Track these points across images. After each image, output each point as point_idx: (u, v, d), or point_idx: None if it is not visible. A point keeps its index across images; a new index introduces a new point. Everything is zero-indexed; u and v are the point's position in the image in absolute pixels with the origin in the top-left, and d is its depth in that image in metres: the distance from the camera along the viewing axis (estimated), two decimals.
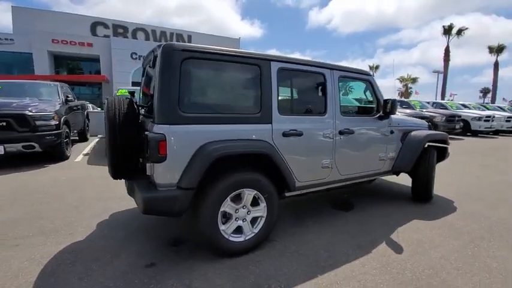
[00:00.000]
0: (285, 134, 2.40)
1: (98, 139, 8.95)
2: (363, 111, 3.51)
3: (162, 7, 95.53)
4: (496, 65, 35.15)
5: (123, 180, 2.55)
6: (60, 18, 22.26)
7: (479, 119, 12.65)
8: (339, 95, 2.78)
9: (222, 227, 2.16)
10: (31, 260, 2.17)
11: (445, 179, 4.61)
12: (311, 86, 2.75)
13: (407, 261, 2.26)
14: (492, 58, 35.35)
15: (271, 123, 2.34)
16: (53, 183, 4.20)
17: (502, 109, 16.52)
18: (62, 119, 5.66)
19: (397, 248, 2.46)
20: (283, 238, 2.57)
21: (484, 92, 56.12)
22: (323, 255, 2.30)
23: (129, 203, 3.34)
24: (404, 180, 4.20)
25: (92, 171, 4.95)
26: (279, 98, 2.40)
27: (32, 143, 4.96)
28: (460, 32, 33.42)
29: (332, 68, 2.75)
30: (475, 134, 12.91)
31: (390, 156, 3.35)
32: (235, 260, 2.19)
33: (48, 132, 5.15)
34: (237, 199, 2.22)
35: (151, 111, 2.24)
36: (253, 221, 2.33)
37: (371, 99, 3.23)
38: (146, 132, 2.00)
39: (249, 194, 2.23)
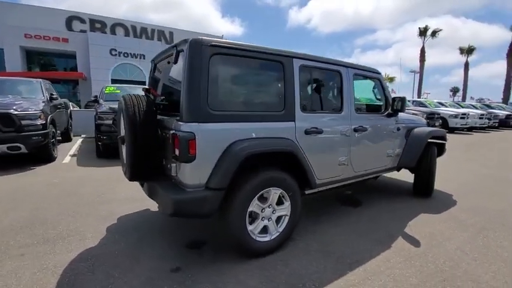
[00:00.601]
0: (307, 132, 2.39)
1: (81, 139, 8.52)
2: (372, 109, 3.57)
3: (139, 2, 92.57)
4: (467, 66, 37.23)
5: (121, 182, 2.44)
6: (33, 11, 20.90)
7: (456, 116, 13.36)
8: (353, 92, 2.81)
9: (249, 228, 2.12)
10: (44, 270, 2.01)
11: (441, 174, 4.81)
12: (329, 84, 2.76)
13: (427, 254, 2.32)
14: (462, 59, 37.42)
15: (294, 120, 2.31)
16: (46, 186, 3.93)
17: (474, 107, 17.56)
18: (49, 118, 5.33)
19: (414, 242, 2.53)
20: (304, 236, 2.57)
21: (454, 91, 59.45)
22: (347, 252, 2.32)
23: (134, 205, 3.21)
24: (402, 176, 4.34)
25: (84, 173, 4.70)
26: (301, 95, 2.39)
27: (18, 144, 4.66)
28: (434, 33, 35.06)
29: (348, 66, 2.77)
30: (452, 130, 13.61)
31: (396, 153, 3.44)
32: (262, 261, 2.16)
33: (34, 133, 4.85)
34: (263, 198, 2.18)
35: (171, 109, 2.15)
36: (278, 220, 2.31)
37: (379, 97, 3.29)
38: (173, 131, 1.91)
39: (274, 193, 2.20)
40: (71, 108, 10.00)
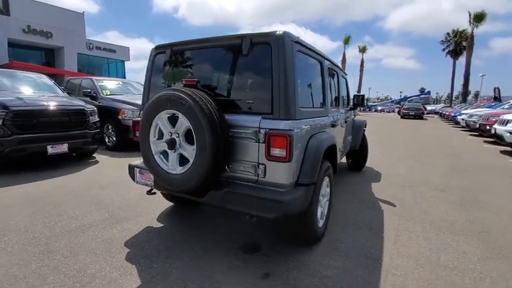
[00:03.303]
0: (332, 125, 2.71)
1: None
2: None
3: None
4: None
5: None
6: None
7: None
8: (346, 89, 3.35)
9: (318, 216, 2.26)
10: None
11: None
12: (335, 82, 3.16)
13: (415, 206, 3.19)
14: None
15: (327, 115, 2.59)
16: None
17: None
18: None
19: (394, 201, 3.37)
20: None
21: None
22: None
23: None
24: None
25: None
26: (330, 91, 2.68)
27: (89, 140, 4.87)
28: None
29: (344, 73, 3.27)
30: None
31: (349, 139, 4.30)
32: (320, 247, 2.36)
33: (97, 129, 5.10)
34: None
35: (231, 105, 1.97)
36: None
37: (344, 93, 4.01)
38: (264, 130, 1.79)
39: (325, 181, 2.42)
40: None
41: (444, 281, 1.92)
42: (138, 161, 2.56)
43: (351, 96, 4.21)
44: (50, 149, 4.29)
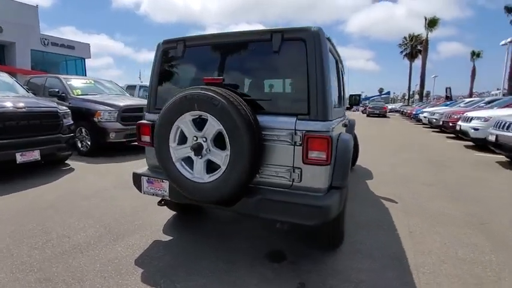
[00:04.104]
0: (344, 125, 2.69)
1: None
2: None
3: None
4: None
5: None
6: None
7: None
8: None
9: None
10: None
11: None
12: (342, 80, 3.14)
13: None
14: None
15: (344, 115, 2.56)
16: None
17: None
18: None
19: (392, 198, 3.46)
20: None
21: None
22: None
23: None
24: None
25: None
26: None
27: (63, 145, 4.38)
28: None
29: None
30: None
31: None
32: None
33: (71, 133, 4.63)
34: None
35: (257, 106, 1.85)
36: None
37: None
38: (302, 132, 1.68)
39: None
40: None
41: (470, 275, 1.98)
42: (142, 168, 2.32)
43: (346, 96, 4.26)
44: (20, 157, 3.75)
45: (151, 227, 2.63)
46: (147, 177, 2.16)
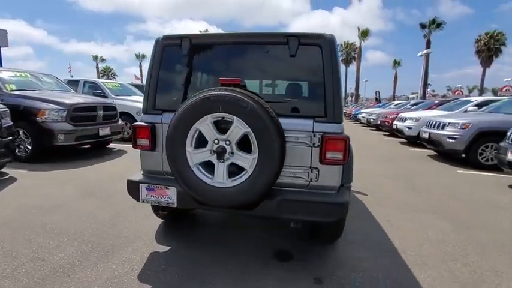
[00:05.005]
0: None
1: None
2: None
3: None
4: None
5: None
6: None
7: None
8: None
9: None
10: None
11: None
12: None
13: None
14: None
15: None
16: None
17: None
18: None
19: (362, 190, 3.82)
20: None
21: None
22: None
23: None
24: None
25: None
26: None
27: (2, 150, 3.79)
28: None
29: None
30: None
31: None
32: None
33: (10, 136, 3.93)
34: None
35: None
36: None
37: None
38: (320, 134, 1.76)
39: None
40: None
41: (444, 253, 2.33)
42: (137, 174, 2.12)
43: None
44: None
45: (141, 238, 2.41)
46: (147, 185, 1.98)
